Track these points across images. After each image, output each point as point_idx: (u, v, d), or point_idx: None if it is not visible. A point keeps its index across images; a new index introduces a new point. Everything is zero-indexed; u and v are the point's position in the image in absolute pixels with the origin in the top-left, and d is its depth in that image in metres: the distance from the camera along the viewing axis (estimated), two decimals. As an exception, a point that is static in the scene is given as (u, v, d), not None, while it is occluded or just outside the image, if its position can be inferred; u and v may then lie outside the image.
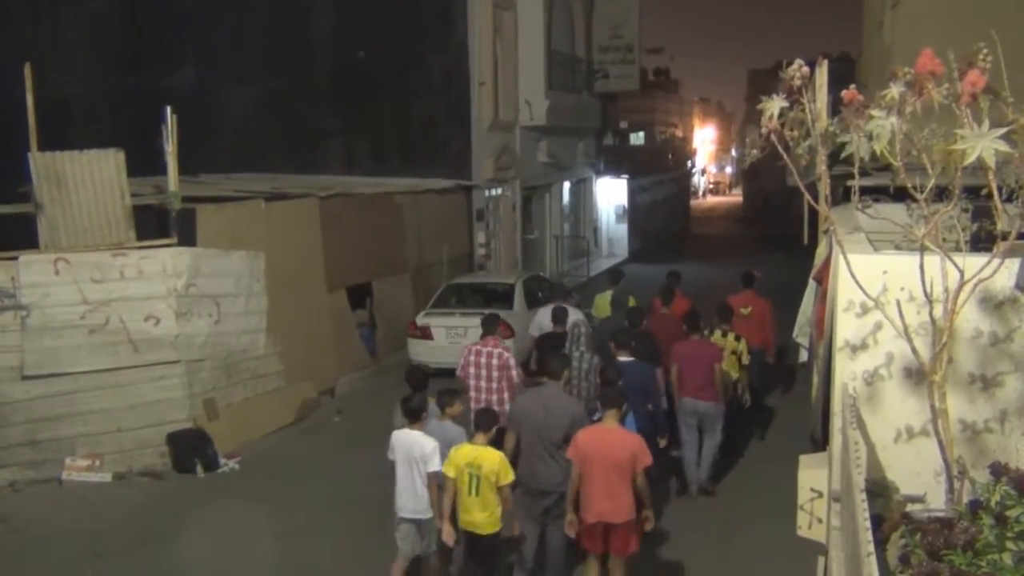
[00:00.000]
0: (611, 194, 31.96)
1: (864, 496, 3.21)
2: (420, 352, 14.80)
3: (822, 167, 3.95)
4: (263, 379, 12.24)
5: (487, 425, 6.86)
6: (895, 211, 4.18)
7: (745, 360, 10.25)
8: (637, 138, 49.92)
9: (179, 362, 10.91)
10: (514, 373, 9.25)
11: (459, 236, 19.12)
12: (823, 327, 5.83)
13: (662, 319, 10.92)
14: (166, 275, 10.82)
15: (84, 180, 10.82)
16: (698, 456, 9.64)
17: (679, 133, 71.14)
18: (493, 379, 9.21)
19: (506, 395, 9.11)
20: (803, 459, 5.15)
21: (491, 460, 6.64)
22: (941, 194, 3.67)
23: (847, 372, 4.33)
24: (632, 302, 12.25)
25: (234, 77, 19.91)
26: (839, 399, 4.37)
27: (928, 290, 3.74)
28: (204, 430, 10.95)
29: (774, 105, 3.74)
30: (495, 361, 9.21)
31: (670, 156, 50.60)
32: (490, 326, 9.64)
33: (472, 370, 9.28)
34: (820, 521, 4.87)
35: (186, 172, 12.23)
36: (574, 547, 7.24)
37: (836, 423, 4.45)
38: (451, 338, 14.45)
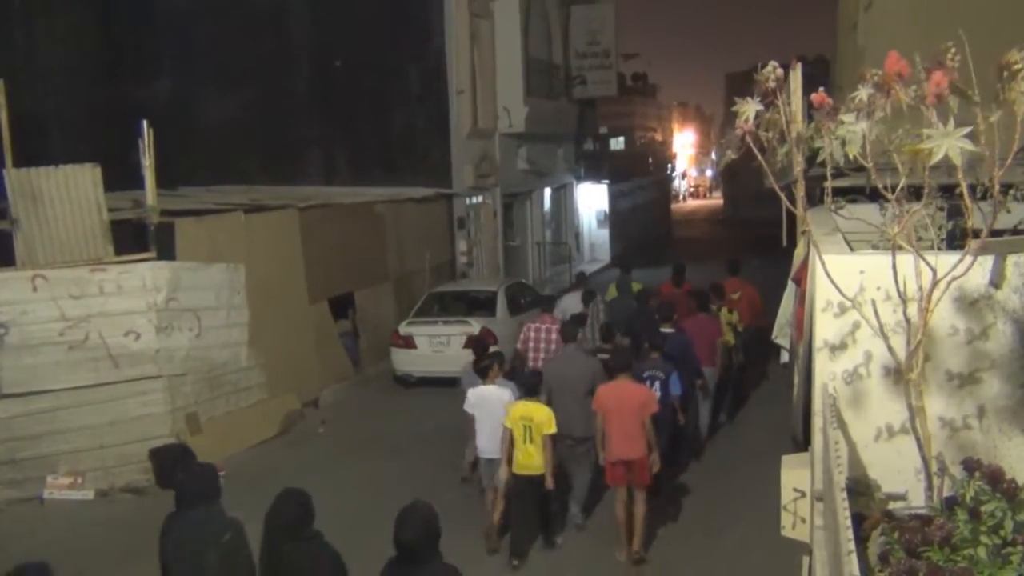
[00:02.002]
0: (592, 199, 32.03)
1: (845, 495, 3.23)
2: (404, 361, 14.77)
3: (798, 169, 3.98)
4: (246, 392, 12.19)
5: (534, 387, 8.36)
6: (869, 211, 4.21)
7: (740, 328, 12.17)
8: (617, 143, 49.96)
9: (160, 377, 10.85)
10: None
11: (440, 244, 19.11)
12: (802, 328, 5.86)
13: (673, 298, 12.28)
14: (145, 290, 10.76)
15: (60, 195, 10.76)
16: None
17: (659, 137, 71.44)
18: (551, 351, 10.96)
19: None
20: (786, 459, 5.16)
21: (541, 413, 8.11)
22: (918, 193, 3.70)
23: (827, 372, 4.35)
24: (637, 287, 13.80)
25: (212, 89, 19.85)
26: (819, 399, 4.38)
27: (902, 289, 3.77)
28: (187, 445, 10.84)
29: (749, 108, 3.77)
30: (554, 335, 11.06)
31: (650, 160, 50.71)
32: (547, 305, 12.25)
33: (532, 344, 11.21)
34: (803, 521, 4.88)
35: (165, 186, 12.18)
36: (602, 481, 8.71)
37: (817, 423, 4.47)
38: (434, 347, 14.43)
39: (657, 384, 8.98)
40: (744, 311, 12.45)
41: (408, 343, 14.66)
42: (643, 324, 10.95)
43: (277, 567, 4.94)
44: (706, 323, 11.14)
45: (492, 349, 10.71)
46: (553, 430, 8.08)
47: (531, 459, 8.11)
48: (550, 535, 8.62)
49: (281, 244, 13.47)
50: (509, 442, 8.17)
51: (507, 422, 8.18)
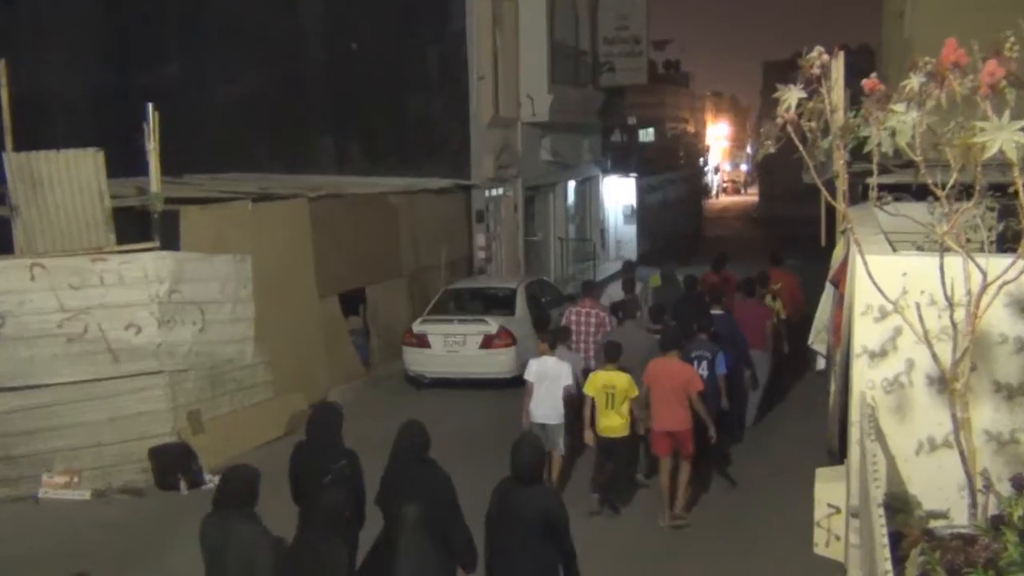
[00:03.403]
0: (619, 194, 31.91)
1: (882, 511, 3.20)
2: (417, 361, 14.77)
3: (840, 163, 3.94)
4: (251, 390, 12.24)
5: (615, 355, 9.44)
6: (916, 210, 4.16)
7: (783, 316, 13.22)
8: (646, 135, 49.76)
9: (162, 372, 10.91)
10: (608, 329, 11.78)
11: (458, 239, 19.11)
12: (840, 333, 5.82)
13: (714, 285, 13.47)
14: (148, 281, 10.82)
15: (62, 181, 10.84)
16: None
17: (691, 129, 71.07)
18: (591, 333, 11.98)
19: None
20: (820, 473, 5.13)
21: (622, 380, 9.28)
22: (965, 192, 3.66)
23: (865, 380, 4.32)
24: (679, 276, 14.76)
25: (220, 73, 19.91)
26: (857, 409, 4.35)
27: (949, 293, 3.72)
28: (188, 444, 10.94)
29: (792, 95, 3.72)
30: (592, 319, 12.19)
31: (681, 154, 50.54)
32: (588, 289, 13.41)
33: (573, 326, 12.04)
34: (838, 538, 4.86)
35: (170, 172, 12.23)
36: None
37: (854, 434, 4.44)
38: (449, 347, 14.43)
39: (704, 364, 9.91)
40: (786, 301, 13.51)
41: (422, 342, 14.65)
42: (691, 308, 11.97)
43: (402, 482, 6.35)
44: (753, 308, 12.34)
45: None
46: (636, 393, 9.24)
47: (613, 422, 9.28)
48: (614, 501, 9.65)
49: (290, 235, 13.51)
50: (591, 408, 9.33)
51: (589, 390, 9.37)
